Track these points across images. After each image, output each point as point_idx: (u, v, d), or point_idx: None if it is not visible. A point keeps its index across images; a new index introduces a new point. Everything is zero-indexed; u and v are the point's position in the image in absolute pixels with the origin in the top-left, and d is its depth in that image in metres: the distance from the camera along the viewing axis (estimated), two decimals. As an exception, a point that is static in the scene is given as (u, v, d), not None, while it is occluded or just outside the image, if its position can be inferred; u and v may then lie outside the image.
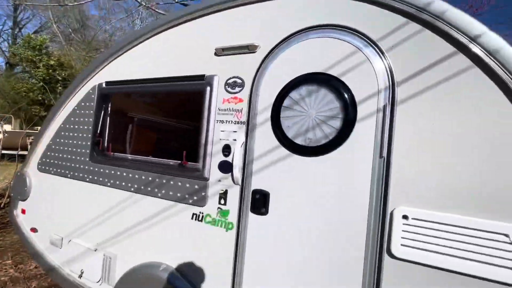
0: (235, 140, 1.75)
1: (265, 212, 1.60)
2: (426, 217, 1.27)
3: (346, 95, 1.45)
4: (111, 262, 2.14)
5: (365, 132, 1.41)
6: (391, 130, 1.36)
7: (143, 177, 2.08)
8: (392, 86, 1.38)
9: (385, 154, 1.36)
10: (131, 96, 2.32)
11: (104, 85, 2.37)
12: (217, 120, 1.82)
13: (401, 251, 1.30)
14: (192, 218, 1.85)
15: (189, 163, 1.90)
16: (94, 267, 2.23)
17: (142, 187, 2.07)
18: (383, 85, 1.39)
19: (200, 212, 1.83)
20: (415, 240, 1.28)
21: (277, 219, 1.58)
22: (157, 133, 2.27)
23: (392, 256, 1.32)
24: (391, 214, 1.34)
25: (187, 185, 1.88)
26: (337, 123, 1.46)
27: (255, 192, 1.64)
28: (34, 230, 2.70)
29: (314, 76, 1.54)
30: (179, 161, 1.94)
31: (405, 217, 1.31)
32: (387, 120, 1.37)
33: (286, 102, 1.60)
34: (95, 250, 2.24)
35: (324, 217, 1.46)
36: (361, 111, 1.42)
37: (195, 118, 1.89)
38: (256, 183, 1.65)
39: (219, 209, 1.77)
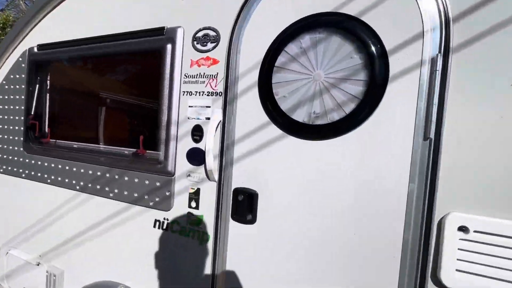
0: (208, 118, 1.24)
1: (251, 220, 1.13)
2: (496, 229, 0.83)
3: (371, 45, 0.95)
4: (56, 280, 1.66)
5: (401, 101, 0.92)
6: (442, 98, 0.88)
7: (90, 172, 1.56)
8: (446, 27, 0.88)
9: (432, 134, 0.89)
10: (74, 63, 1.74)
11: (36, 49, 1.78)
12: (183, 92, 1.30)
13: (456, 279, 0.86)
14: (155, 226, 1.37)
15: (147, 152, 1.39)
16: (38, 285, 1.75)
17: (90, 185, 1.56)
18: (431, 26, 0.89)
19: (164, 219, 1.35)
20: (478, 263, 0.84)
21: (269, 230, 1.11)
22: (108, 113, 1.72)
23: (440, 286, 0.88)
24: (440, 224, 0.89)
25: (146, 182, 1.38)
26: (357, 89, 0.97)
27: (238, 191, 1.16)
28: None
29: (322, 18, 1.03)
30: (135, 150, 1.42)
31: (462, 229, 0.86)
32: (437, 82, 0.88)
33: (280, 61, 1.08)
34: (37, 264, 1.75)
35: (338, 229, 1.00)
36: (395, 68, 0.93)
37: (153, 89, 1.36)
38: (239, 179, 1.17)
39: (189, 215, 1.29)
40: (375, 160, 0.95)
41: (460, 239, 0.86)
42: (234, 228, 1.17)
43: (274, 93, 1.09)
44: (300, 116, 1.05)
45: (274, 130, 1.10)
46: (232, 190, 1.18)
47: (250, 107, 1.14)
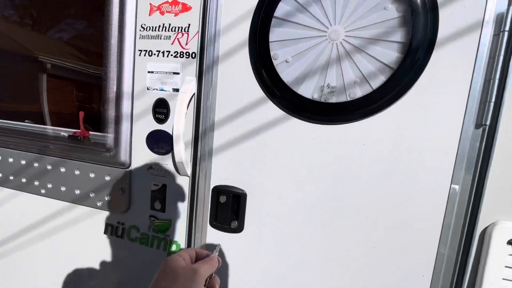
0: (176, 90, 0.89)
1: (237, 228, 0.86)
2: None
3: (417, -10, 0.66)
4: (-23, 298, 1.28)
5: (449, 75, 0.67)
6: (505, 72, 0.64)
7: (10, 159, 1.14)
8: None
9: (487, 120, 0.66)
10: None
11: None
12: (139, 51, 0.92)
13: (499, 303, 0.69)
14: (106, 232, 1.04)
15: (91, 134, 1.01)
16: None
17: (11, 177, 1.15)
18: (503, -33, 0.62)
19: (118, 223, 1.02)
20: (529, 285, 0.67)
21: (261, 242, 0.85)
22: (38, 80, 1.26)
23: (478, 310, 0.71)
24: (484, 235, 0.69)
25: (91, 175, 1.02)
26: (390, 55, 0.69)
27: (219, 191, 0.86)
28: None
29: None
30: (74, 131, 1.03)
31: (513, 243, 0.67)
32: (502, 49, 0.64)
33: (281, 9, 0.76)
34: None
35: (353, 241, 0.77)
36: (445, 28, 0.66)
37: (97, 48, 0.95)
38: (221, 175, 0.87)
39: (152, 219, 0.97)
40: (407, 154, 0.71)
41: (510, 254, 0.67)
42: (214, 237, 0.90)
43: (272, 57, 0.77)
44: (308, 90, 0.76)
45: (271, 110, 0.80)
46: (211, 189, 0.88)
47: (237, 75, 0.82)
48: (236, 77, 0.82)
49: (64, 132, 1.06)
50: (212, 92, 0.84)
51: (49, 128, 1.09)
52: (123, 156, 0.95)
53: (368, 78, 0.71)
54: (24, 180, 1.13)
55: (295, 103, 0.77)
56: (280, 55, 0.77)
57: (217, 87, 0.84)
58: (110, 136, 0.95)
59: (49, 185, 1.08)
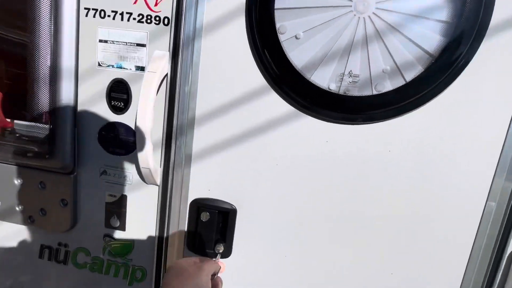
0: (141, 69, 0.65)
1: (223, 254, 0.66)
2: None
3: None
4: None
5: (502, 66, 0.54)
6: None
7: None
8: None
9: (537, 125, 0.55)
10: None
11: None
12: (86, 9, 0.65)
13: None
14: (41, 257, 0.78)
15: (15, 124, 0.73)
16: None
17: None
18: None
19: (60, 244, 0.77)
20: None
21: (255, 270, 0.68)
22: None
23: None
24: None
25: (16, 182, 0.74)
26: (432, 38, 0.54)
27: (200, 206, 0.66)
28: None
29: None
30: (-11, 120, 0.73)
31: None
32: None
33: (292, -36, 0.55)
34: None
35: (368, 267, 0.63)
36: (504, 9, 0.52)
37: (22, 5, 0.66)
38: (203, 186, 0.66)
39: (108, 239, 0.74)
40: (439, 163, 0.58)
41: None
42: (192, 262, 0.70)
43: (277, 30, 0.57)
44: (323, 78, 0.58)
45: (272, 102, 0.60)
46: (189, 203, 0.67)
47: (227, 53, 0.60)
48: (226, 56, 0.60)
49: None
50: (193, 74, 0.62)
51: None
52: (65, 157, 0.68)
53: (402, 67, 0.55)
54: None
55: (306, 94, 0.58)
56: (288, 28, 0.57)
57: (200, 68, 0.62)
58: (44, 128, 0.68)
59: (-46, 194, 0.78)
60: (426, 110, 0.57)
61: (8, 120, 0.73)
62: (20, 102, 0.68)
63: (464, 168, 0.57)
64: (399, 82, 0.56)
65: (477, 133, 0.56)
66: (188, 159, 0.66)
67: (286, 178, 0.63)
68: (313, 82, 0.58)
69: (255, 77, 0.59)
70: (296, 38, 0.57)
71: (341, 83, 0.58)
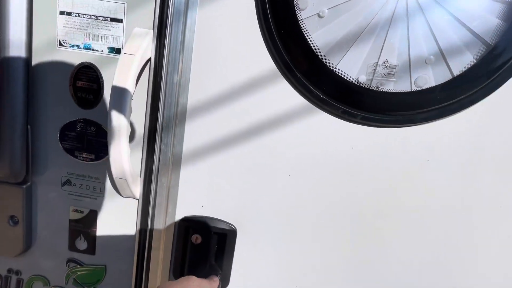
0: (115, 51, 0.51)
1: (221, 284, 0.53)
2: None
3: None
4: None
5: None
6: None
7: None
8: None
9: None
10: None
11: None
12: (43, -30, 0.50)
13: None
14: (-14, 285, 0.62)
15: None
16: None
17: None
18: None
19: (10, 272, 0.61)
20: None
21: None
22: None
23: None
24: None
25: (-49, 194, 0.57)
26: (487, 21, 0.43)
27: (191, 226, 0.53)
28: None
29: None
30: None
31: None
32: None
33: None
34: None
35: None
36: None
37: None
38: (193, 200, 0.53)
39: (71, 265, 0.59)
40: (488, 176, 0.48)
41: None
42: (179, 294, 0.56)
43: (295, 4, 0.44)
44: (351, 67, 0.46)
45: (286, 95, 0.48)
46: (176, 221, 0.54)
47: (230, 31, 0.47)
48: (228, 35, 0.47)
49: None
50: (185, 58, 0.48)
51: None
52: (14, 163, 0.53)
53: (449, 56, 0.44)
54: None
55: (329, 87, 0.46)
56: (309, 3, 0.44)
57: (193, 50, 0.48)
58: (-17, 127, 0.52)
59: None
60: (474, 111, 0.46)
61: None
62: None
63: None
64: (445, 76, 0.45)
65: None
66: (176, 166, 0.52)
67: (300, 192, 0.50)
68: (338, 73, 0.46)
69: (264, 62, 0.47)
70: (319, 16, 0.45)
71: (373, 75, 0.46)
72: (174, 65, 0.48)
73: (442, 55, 0.44)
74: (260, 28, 0.46)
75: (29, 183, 0.56)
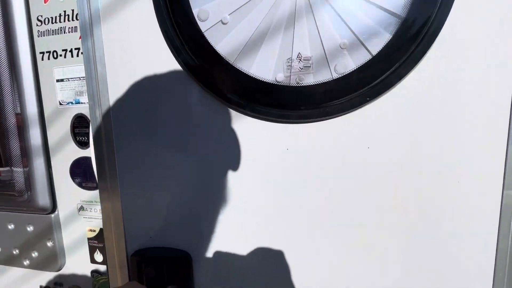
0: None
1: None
2: None
3: None
4: None
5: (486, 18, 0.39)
6: None
7: None
8: None
9: None
10: None
11: None
12: (41, 53, 0.67)
13: None
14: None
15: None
16: None
17: None
18: None
19: (56, 284, 0.78)
20: None
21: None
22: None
23: None
24: None
25: (10, 227, 0.77)
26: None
27: (141, 259, 0.54)
28: None
29: None
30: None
31: None
32: None
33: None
34: None
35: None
36: None
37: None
38: (139, 230, 0.59)
39: (95, 275, 0.73)
40: (431, 152, 0.44)
41: None
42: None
43: (195, 18, 0.49)
44: (267, 69, 0.48)
45: (212, 110, 0.52)
46: (128, 258, 0.55)
47: (142, 57, 0.54)
48: (140, 59, 0.51)
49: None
50: (96, 83, 0.56)
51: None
52: (41, 198, 0.70)
53: (362, 37, 0.44)
54: None
55: (249, 93, 0.49)
56: (210, 13, 0.48)
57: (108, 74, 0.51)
58: (18, 172, 0.70)
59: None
60: (405, 86, 0.44)
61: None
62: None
63: (467, 153, 0.43)
64: (364, 57, 0.44)
65: (476, 104, 0.42)
66: (115, 196, 0.54)
67: (252, 203, 0.52)
68: (255, 76, 0.49)
69: (179, 79, 0.50)
70: (223, 23, 0.48)
71: (290, 72, 0.48)
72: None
73: (356, 38, 0.44)
74: (168, 46, 0.49)
75: (56, 212, 0.72)
